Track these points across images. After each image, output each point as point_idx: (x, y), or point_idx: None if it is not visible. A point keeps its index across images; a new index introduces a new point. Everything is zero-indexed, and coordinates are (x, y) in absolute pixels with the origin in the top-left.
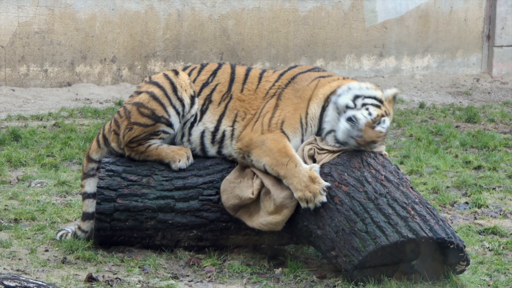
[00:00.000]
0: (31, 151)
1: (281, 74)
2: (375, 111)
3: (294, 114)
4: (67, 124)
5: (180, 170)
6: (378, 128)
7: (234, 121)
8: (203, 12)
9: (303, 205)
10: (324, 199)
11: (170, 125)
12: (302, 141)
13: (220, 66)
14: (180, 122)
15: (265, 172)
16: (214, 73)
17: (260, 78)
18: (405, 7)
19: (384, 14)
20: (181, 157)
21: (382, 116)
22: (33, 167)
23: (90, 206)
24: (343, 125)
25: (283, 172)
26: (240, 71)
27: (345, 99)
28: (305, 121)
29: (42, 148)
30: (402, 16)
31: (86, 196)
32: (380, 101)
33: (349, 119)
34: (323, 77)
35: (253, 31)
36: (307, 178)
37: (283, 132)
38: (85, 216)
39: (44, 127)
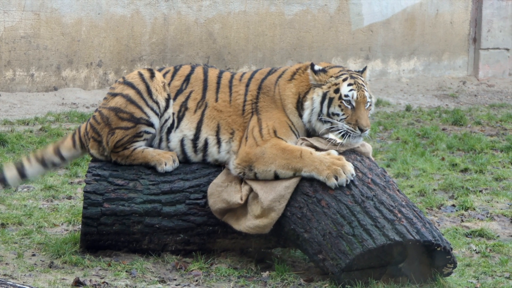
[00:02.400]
0: (17, 156)
1: (247, 85)
2: (337, 107)
3: (282, 122)
4: (53, 128)
5: (167, 173)
6: (352, 104)
7: (218, 131)
8: (189, 16)
9: (332, 183)
10: (354, 172)
11: (150, 125)
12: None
13: (193, 70)
14: (159, 121)
15: (275, 179)
16: (187, 79)
17: (230, 88)
18: (391, 10)
19: (370, 17)
20: (167, 160)
21: (340, 98)
22: None
23: (14, 181)
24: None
25: (300, 164)
26: (212, 78)
27: (319, 126)
28: (294, 128)
29: (29, 152)
30: (388, 19)
31: (21, 172)
32: (324, 95)
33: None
34: (280, 76)
35: (239, 35)
36: (329, 158)
37: (279, 138)
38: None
39: (31, 131)
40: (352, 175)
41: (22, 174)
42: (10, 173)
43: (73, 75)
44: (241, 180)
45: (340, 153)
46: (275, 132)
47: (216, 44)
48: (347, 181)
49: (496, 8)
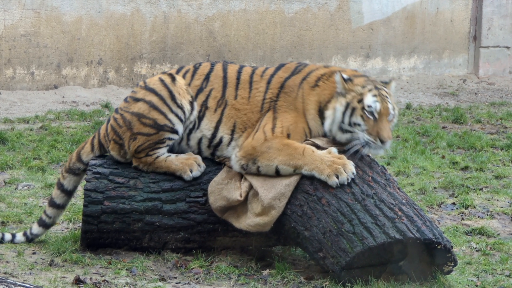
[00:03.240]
0: (18, 154)
1: (268, 82)
2: (359, 117)
3: (298, 128)
4: (53, 126)
5: (194, 179)
6: (375, 115)
7: (233, 131)
8: (189, 14)
9: (333, 181)
10: (354, 170)
11: (174, 131)
12: None
13: (212, 68)
14: (183, 127)
15: (276, 175)
16: (207, 77)
17: (250, 84)
18: (392, 8)
19: (370, 15)
20: (191, 166)
21: (362, 108)
22: (20, 170)
23: (59, 198)
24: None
25: (302, 161)
26: (232, 74)
27: (341, 136)
28: (310, 136)
29: (29, 151)
30: (389, 17)
31: (61, 189)
32: (347, 104)
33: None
34: (304, 79)
35: (239, 33)
36: (330, 156)
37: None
38: (52, 203)
39: (31, 130)
40: (353, 173)
41: (63, 190)
42: (56, 193)
43: (73, 73)
44: (241, 177)
45: (340, 152)
46: (288, 135)
47: (216, 42)
48: (348, 179)
49: (497, 6)
